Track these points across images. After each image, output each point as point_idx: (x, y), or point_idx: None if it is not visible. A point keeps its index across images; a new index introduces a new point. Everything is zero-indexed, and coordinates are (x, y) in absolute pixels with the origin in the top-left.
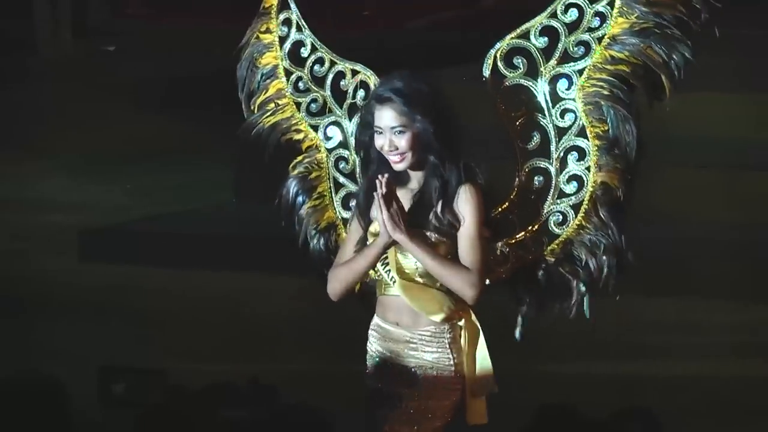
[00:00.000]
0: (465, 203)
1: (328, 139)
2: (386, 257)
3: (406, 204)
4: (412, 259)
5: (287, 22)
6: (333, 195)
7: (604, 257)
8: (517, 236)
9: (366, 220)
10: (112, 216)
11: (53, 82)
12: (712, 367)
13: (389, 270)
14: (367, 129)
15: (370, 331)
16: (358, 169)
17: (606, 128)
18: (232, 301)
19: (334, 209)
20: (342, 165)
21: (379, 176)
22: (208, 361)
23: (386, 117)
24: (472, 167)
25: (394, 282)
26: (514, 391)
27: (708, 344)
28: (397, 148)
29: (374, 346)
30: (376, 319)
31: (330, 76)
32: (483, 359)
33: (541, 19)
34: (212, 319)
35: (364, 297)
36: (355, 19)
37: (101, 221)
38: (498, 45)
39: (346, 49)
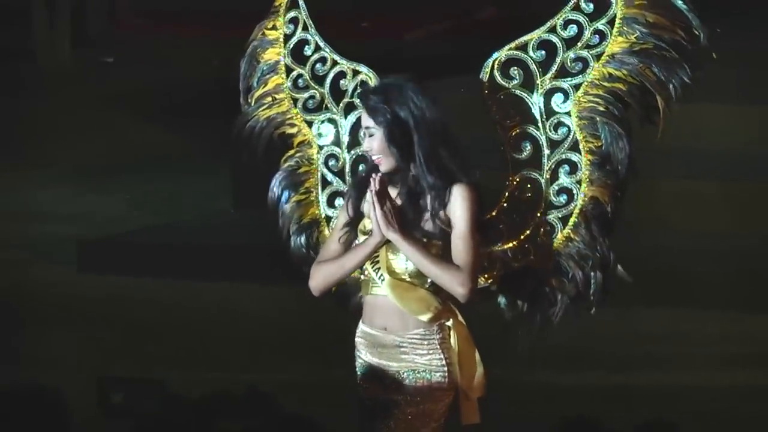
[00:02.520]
0: (456, 204)
1: (321, 135)
2: (377, 256)
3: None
4: (403, 258)
5: (294, 21)
6: (320, 192)
7: (592, 271)
8: (504, 244)
9: (355, 217)
10: (110, 226)
11: (51, 92)
12: (706, 377)
13: (378, 269)
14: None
15: (357, 339)
16: (347, 168)
17: (599, 144)
18: (229, 310)
19: (319, 206)
20: (332, 162)
21: (373, 174)
22: (205, 370)
23: (364, 117)
24: (466, 171)
25: (383, 280)
26: (506, 402)
27: (702, 355)
28: (370, 150)
29: (363, 355)
30: (362, 326)
31: (331, 75)
32: (476, 363)
33: (539, 33)
34: (210, 328)
35: (341, 298)
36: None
37: (100, 231)
38: (496, 55)
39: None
